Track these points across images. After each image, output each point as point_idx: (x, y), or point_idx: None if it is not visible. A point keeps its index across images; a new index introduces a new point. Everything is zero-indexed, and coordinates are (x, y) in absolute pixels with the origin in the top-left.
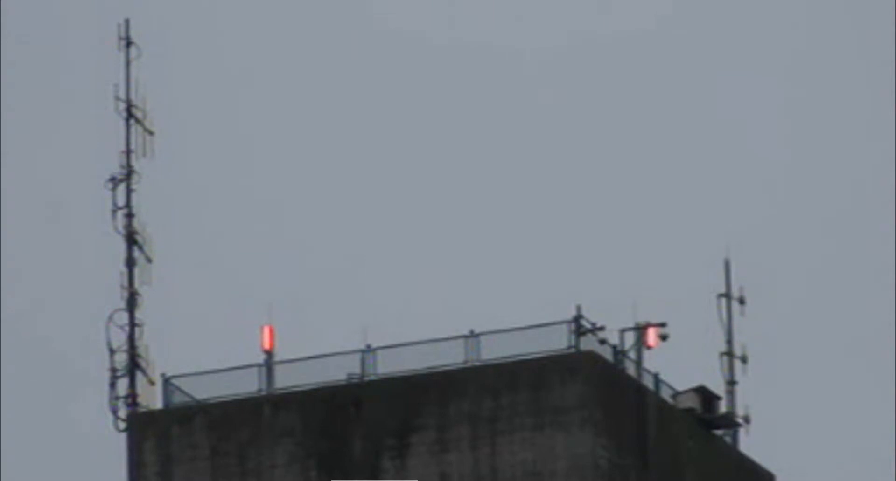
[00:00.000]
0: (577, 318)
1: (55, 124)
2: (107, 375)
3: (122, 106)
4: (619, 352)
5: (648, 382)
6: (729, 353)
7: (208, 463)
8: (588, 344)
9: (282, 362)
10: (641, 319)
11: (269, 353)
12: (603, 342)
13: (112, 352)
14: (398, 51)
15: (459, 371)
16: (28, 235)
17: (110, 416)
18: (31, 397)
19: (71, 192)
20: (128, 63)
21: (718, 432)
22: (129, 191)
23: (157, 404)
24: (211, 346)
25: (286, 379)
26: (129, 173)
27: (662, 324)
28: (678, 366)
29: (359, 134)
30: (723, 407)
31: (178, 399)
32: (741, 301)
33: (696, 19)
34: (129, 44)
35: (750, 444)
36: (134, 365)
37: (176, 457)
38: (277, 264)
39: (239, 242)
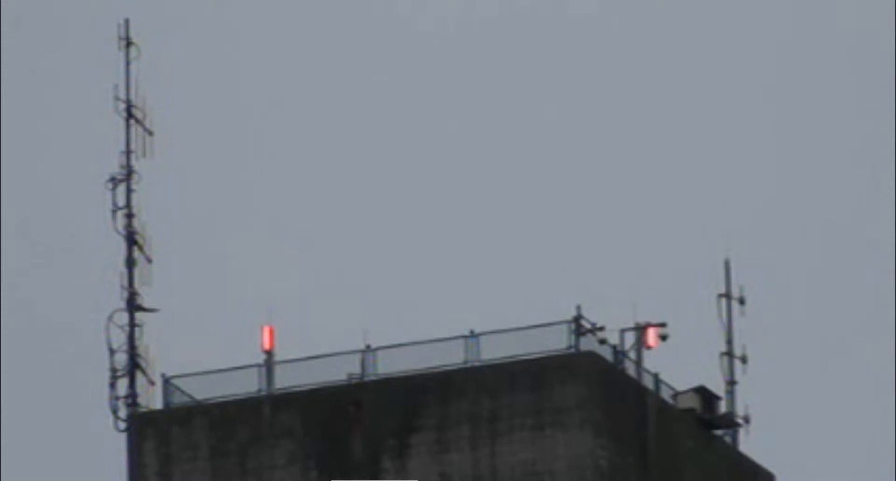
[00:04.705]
0: (577, 318)
1: (55, 124)
2: (107, 375)
3: (122, 106)
4: (619, 352)
5: (648, 382)
6: (729, 353)
7: (208, 463)
8: (588, 344)
9: (282, 362)
10: (641, 319)
11: (269, 353)
12: (603, 342)
13: (112, 352)
14: (398, 51)
15: (459, 371)
16: (28, 235)
17: (110, 416)
18: (31, 397)
19: (71, 192)
20: (128, 63)
21: (718, 432)
22: (129, 191)
23: (157, 404)
24: (211, 346)
25: (286, 379)
26: (129, 173)
27: (662, 324)
28: (678, 366)
29: (359, 134)
30: (723, 407)
31: (178, 399)
32: (741, 301)
33: (699, 18)
34: (129, 44)
35: (750, 444)
36: (134, 365)
37: (176, 457)
38: (277, 264)
39: (239, 242)
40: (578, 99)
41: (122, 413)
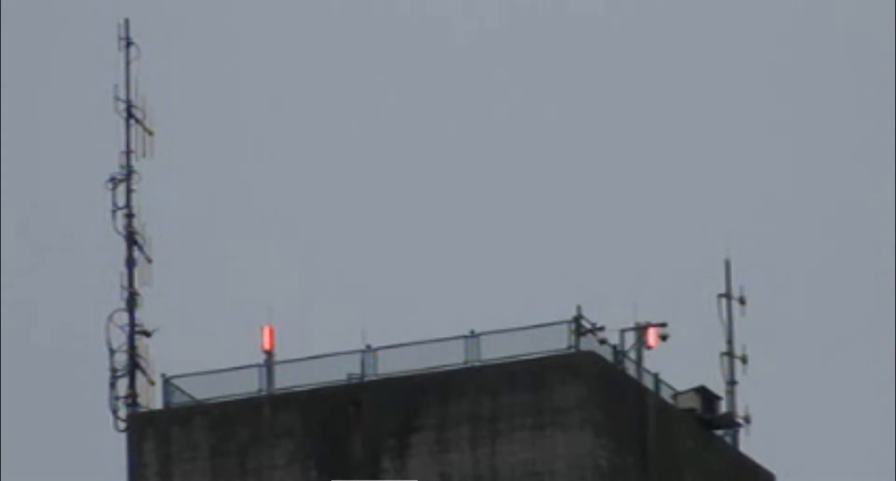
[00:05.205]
0: (577, 318)
1: (55, 124)
2: (107, 375)
3: (122, 106)
4: (619, 352)
5: (648, 382)
6: (729, 353)
7: (208, 463)
8: (588, 344)
9: (282, 362)
10: (641, 319)
11: (269, 353)
12: (603, 342)
13: (112, 352)
14: (398, 50)
15: (459, 371)
16: (28, 235)
17: (110, 416)
18: (31, 397)
19: (71, 192)
20: (128, 63)
21: (718, 432)
22: (129, 191)
23: (157, 404)
24: (211, 346)
25: (286, 379)
26: (129, 173)
27: (662, 324)
28: (678, 366)
29: (359, 134)
30: (723, 407)
31: (178, 399)
32: (741, 301)
33: (701, 19)
34: (129, 44)
35: (750, 444)
36: (134, 365)
37: (176, 457)
38: (277, 264)
39: (239, 242)
40: (580, 99)
41: (122, 413)
